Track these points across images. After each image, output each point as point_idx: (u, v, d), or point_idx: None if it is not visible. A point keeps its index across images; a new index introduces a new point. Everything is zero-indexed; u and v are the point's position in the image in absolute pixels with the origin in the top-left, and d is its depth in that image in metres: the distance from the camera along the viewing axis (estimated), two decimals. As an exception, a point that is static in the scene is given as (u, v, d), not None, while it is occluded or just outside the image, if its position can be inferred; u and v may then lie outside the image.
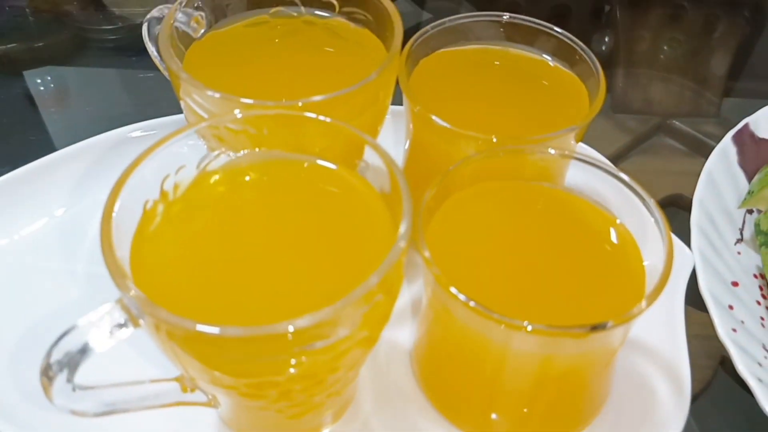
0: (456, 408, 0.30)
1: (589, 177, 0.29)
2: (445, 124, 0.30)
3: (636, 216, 0.28)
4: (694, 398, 0.30)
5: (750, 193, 0.38)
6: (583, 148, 0.39)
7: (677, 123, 0.49)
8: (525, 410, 0.29)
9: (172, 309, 0.21)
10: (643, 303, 0.24)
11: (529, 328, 0.23)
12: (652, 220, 0.27)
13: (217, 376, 0.23)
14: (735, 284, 0.35)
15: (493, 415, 0.29)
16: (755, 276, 0.36)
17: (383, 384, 0.31)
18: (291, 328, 0.20)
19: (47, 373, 0.22)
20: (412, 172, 0.35)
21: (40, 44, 0.55)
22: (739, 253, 0.37)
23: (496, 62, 0.35)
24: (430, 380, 0.31)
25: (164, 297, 0.22)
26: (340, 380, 0.26)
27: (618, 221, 0.29)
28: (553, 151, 0.29)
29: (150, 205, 0.26)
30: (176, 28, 0.32)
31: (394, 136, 0.39)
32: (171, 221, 0.26)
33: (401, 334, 0.33)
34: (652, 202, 0.27)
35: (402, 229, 0.23)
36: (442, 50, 0.35)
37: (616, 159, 0.46)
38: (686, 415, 0.30)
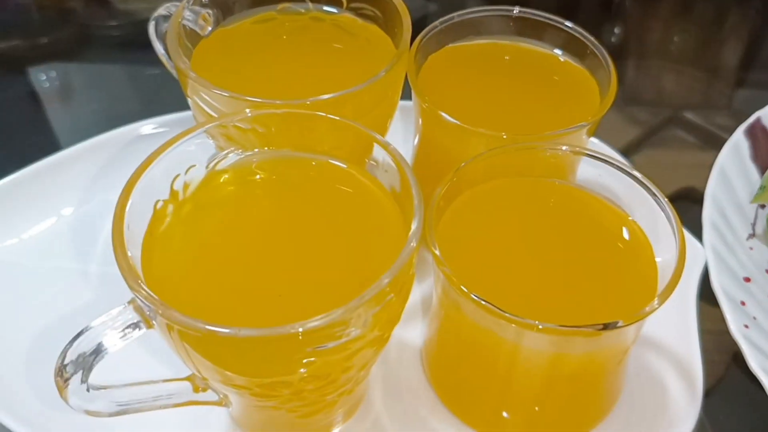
0: (467, 406, 0.30)
1: (601, 173, 0.29)
2: (454, 120, 0.29)
3: (648, 213, 0.28)
4: (707, 394, 0.30)
5: (762, 188, 0.38)
6: (595, 144, 0.39)
7: (689, 115, 0.49)
8: (536, 408, 0.29)
9: (184, 309, 0.21)
10: (656, 302, 0.24)
11: (541, 326, 0.23)
12: (664, 216, 0.27)
13: (229, 376, 0.23)
14: (747, 280, 0.35)
15: (504, 414, 0.29)
16: (767, 271, 0.36)
17: (394, 382, 0.31)
18: (302, 329, 0.20)
19: (62, 374, 0.23)
20: (422, 168, 0.35)
21: (45, 40, 0.54)
22: (751, 248, 0.36)
23: (505, 57, 0.35)
24: (440, 378, 0.31)
25: (176, 297, 0.22)
26: (352, 379, 0.26)
27: (630, 218, 0.29)
28: (564, 148, 0.29)
29: (160, 205, 0.26)
30: (184, 26, 0.31)
31: (403, 131, 0.39)
32: (181, 221, 0.26)
33: (412, 332, 0.33)
34: (664, 199, 0.27)
35: (413, 227, 0.23)
36: (451, 45, 0.35)
37: (627, 151, 0.45)
38: (698, 412, 0.30)
